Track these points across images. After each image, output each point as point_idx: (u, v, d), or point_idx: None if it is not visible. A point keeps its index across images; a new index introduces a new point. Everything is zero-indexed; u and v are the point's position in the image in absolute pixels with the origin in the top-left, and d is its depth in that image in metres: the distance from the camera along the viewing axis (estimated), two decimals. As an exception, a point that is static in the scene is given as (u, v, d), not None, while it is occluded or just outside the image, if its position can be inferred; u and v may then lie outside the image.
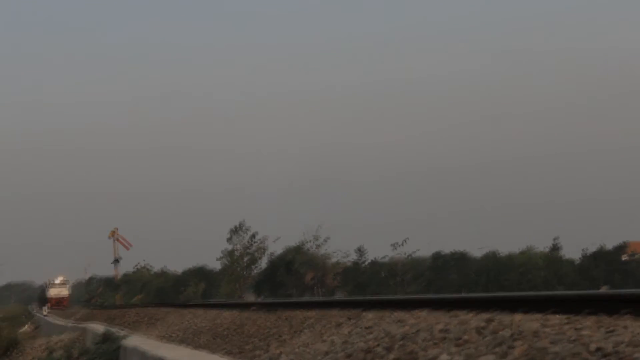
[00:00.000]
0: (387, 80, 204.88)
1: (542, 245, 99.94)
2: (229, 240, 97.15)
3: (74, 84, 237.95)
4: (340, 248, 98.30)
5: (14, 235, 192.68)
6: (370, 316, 10.28)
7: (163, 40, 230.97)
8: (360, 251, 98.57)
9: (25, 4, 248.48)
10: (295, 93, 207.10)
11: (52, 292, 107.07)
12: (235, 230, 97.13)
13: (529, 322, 6.93)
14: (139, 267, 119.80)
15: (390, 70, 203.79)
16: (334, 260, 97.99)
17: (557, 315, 7.43)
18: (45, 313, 60.49)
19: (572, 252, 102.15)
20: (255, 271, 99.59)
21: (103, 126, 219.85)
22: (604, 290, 70.49)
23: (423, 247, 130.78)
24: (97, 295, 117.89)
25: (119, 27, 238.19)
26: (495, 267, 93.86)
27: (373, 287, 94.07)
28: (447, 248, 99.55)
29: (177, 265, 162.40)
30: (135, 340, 14.25)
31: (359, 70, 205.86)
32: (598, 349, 5.55)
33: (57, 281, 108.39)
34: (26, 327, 50.16)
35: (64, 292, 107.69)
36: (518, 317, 7.44)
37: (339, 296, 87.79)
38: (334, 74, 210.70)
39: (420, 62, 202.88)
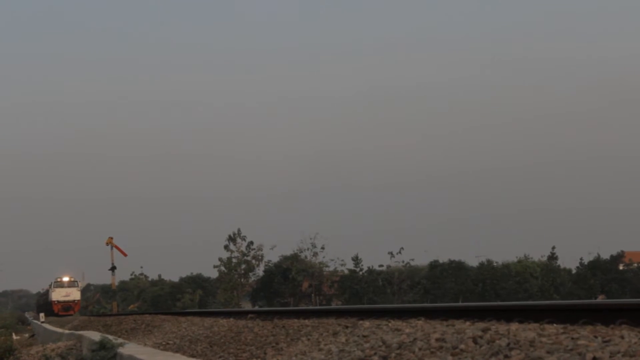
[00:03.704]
0: (386, 86, 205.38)
1: (539, 254, 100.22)
2: (226, 248, 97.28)
3: (71, 88, 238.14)
4: (337, 256, 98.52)
5: (10, 242, 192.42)
6: (366, 325, 10.29)
7: (160, 44, 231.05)
8: (356, 259, 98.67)
9: (39, 4, 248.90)
10: (293, 99, 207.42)
11: (59, 295, 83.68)
12: (232, 238, 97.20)
13: (525, 331, 6.93)
14: (135, 274, 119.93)
15: (389, 76, 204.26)
16: (330, 268, 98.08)
17: (554, 325, 7.44)
18: (42, 320, 59.73)
19: (568, 261, 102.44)
20: (252, 279, 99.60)
21: (99, 131, 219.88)
22: (600, 299, 70.58)
23: (420, 256, 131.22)
24: (94, 302, 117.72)
25: (116, 28, 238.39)
26: (491, 276, 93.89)
27: (370, 295, 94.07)
28: (443, 256, 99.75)
29: (174, 273, 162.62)
30: (131, 349, 14.24)
31: (358, 76, 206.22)
32: (594, 359, 5.55)
33: (65, 279, 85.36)
34: (18, 336, 49.99)
35: (74, 294, 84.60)
36: (514, 326, 7.45)
37: (335, 305, 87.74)
38: (332, 81, 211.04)
39: (420, 69, 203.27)
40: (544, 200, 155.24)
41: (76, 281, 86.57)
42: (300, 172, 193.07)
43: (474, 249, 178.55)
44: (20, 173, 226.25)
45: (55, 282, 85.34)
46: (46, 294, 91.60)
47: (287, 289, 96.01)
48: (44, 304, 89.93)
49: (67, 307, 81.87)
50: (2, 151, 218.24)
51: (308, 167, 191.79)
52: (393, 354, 7.41)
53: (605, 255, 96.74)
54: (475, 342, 6.90)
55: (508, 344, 6.47)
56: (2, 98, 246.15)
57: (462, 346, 6.84)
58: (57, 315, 75.72)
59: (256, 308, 77.67)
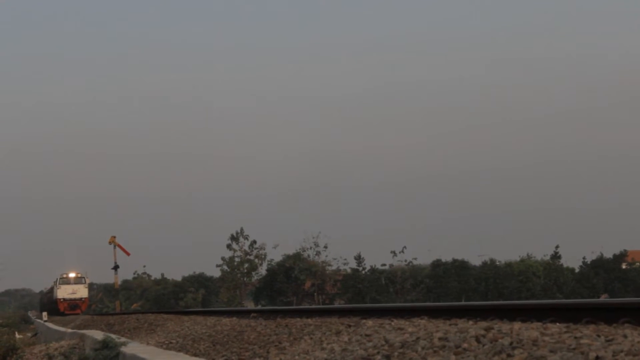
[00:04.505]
0: (386, 86, 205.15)
1: (542, 253, 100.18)
2: (229, 247, 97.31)
3: (72, 87, 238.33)
4: (339, 255, 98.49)
5: (12, 242, 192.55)
6: (369, 324, 10.29)
7: (159, 43, 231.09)
8: (359, 259, 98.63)
9: (39, 4, 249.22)
10: (294, 99, 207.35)
11: (65, 292, 76.48)
12: (234, 237, 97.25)
13: (528, 330, 6.93)
14: (138, 274, 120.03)
15: (390, 75, 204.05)
16: (333, 267, 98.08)
17: (557, 324, 7.44)
18: (45, 319, 59.42)
19: (571, 260, 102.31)
20: (254, 278, 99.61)
21: (101, 130, 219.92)
22: (603, 298, 70.50)
23: (422, 255, 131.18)
24: (96, 301, 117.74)
25: (116, 28, 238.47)
26: (494, 275, 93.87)
27: (372, 294, 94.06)
28: (446, 256, 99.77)
29: (177, 272, 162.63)
30: (134, 348, 14.25)
31: (358, 76, 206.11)
32: (597, 358, 5.55)
33: (72, 275, 77.96)
34: (21, 335, 50.08)
35: (82, 291, 77.50)
36: (517, 325, 7.45)
37: (338, 304, 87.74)
38: (332, 80, 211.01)
39: (420, 68, 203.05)
40: (546, 200, 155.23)
41: (83, 277, 79.17)
42: (302, 171, 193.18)
43: (476, 248, 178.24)
44: (21, 173, 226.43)
45: (60, 278, 78.14)
46: (51, 291, 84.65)
47: (290, 288, 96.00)
48: (48, 303, 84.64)
49: (74, 305, 75.34)
50: (2, 151, 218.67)
51: (309, 167, 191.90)
52: (396, 353, 7.41)
53: (608, 254, 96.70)
54: (478, 341, 6.90)
55: (511, 343, 6.47)
56: (2, 98, 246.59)
57: (465, 345, 6.84)
58: (62, 314, 71.22)
59: (259, 307, 77.69)
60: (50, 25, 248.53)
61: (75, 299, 76.23)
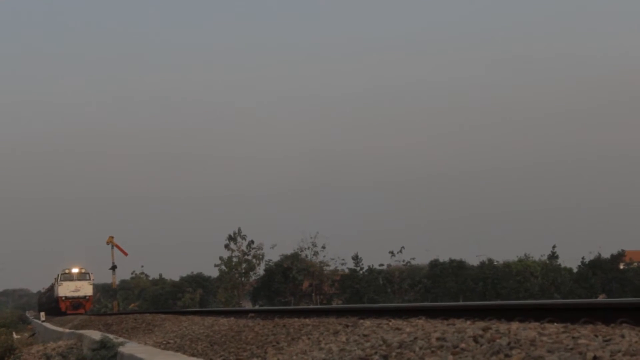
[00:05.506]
0: (386, 86, 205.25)
1: (540, 253, 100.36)
2: (227, 247, 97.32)
3: (72, 87, 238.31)
4: (337, 255, 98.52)
5: (10, 242, 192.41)
6: (367, 324, 10.29)
7: (159, 43, 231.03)
8: (357, 259, 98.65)
9: (39, 4, 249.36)
10: (294, 99, 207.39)
11: (67, 289, 69.35)
12: (232, 238, 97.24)
13: (526, 330, 6.93)
14: (136, 274, 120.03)
15: (390, 76, 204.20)
16: (331, 267, 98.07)
17: (554, 324, 7.44)
18: (42, 319, 59.15)
19: (569, 260, 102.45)
20: (252, 278, 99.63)
21: (101, 130, 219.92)
22: (601, 298, 70.52)
23: (420, 255, 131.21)
24: (94, 301, 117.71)
25: (117, 28, 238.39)
26: (492, 275, 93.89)
27: (370, 294, 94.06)
28: (444, 256, 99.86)
29: (174, 272, 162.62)
30: (132, 348, 14.25)
31: (358, 76, 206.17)
32: (595, 358, 5.55)
33: (75, 271, 70.68)
34: (19, 335, 50.05)
35: (86, 289, 69.96)
36: (515, 325, 7.45)
37: (336, 304, 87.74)
38: (333, 80, 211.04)
39: (420, 68, 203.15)
40: (544, 200, 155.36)
41: (88, 273, 71.44)
42: (301, 171, 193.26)
43: (474, 248, 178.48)
44: (20, 173, 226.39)
45: (62, 274, 70.71)
46: (51, 289, 77.28)
47: (288, 288, 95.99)
48: (47, 302, 78.78)
49: (77, 304, 68.83)
50: (2, 151, 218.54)
51: (308, 167, 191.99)
52: (394, 353, 7.41)
53: (606, 255, 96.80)
54: (475, 341, 6.90)
55: (509, 343, 6.47)
56: (2, 97, 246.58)
57: (463, 345, 6.84)
58: (64, 314, 65.60)
59: (257, 307, 77.65)
60: (51, 25, 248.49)
61: (78, 297, 69.67)
